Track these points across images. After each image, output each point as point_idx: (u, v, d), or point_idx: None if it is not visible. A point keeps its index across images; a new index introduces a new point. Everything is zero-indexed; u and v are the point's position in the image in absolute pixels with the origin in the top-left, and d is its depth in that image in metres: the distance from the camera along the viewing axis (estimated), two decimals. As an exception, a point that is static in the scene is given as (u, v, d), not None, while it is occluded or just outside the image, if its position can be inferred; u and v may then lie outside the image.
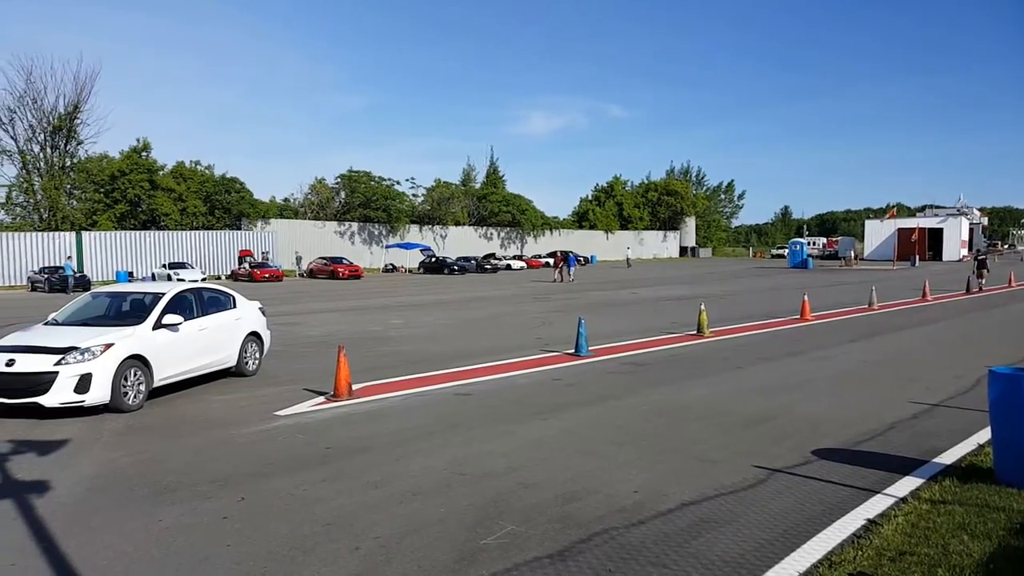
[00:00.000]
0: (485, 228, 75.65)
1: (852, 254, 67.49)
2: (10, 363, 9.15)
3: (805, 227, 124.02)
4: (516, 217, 76.02)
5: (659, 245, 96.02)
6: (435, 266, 56.76)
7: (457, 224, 72.79)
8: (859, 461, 7.14)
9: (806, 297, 21.04)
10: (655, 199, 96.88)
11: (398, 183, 67.73)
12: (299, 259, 52.42)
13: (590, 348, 14.22)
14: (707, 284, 39.04)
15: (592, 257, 76.57)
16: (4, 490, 6.59)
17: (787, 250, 72.33)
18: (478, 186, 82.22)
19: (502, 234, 76.93)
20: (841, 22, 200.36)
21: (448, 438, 8.19)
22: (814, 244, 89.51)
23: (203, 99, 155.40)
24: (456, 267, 55.66)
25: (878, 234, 78.46)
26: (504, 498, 6.13)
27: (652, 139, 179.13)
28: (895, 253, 64.29)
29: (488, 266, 59.06)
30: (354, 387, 10.58)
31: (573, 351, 14.11)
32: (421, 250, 61.67)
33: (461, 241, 70.85)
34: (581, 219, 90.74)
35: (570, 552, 5.04)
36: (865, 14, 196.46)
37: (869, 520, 5.57)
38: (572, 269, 43.27)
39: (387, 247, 63.74)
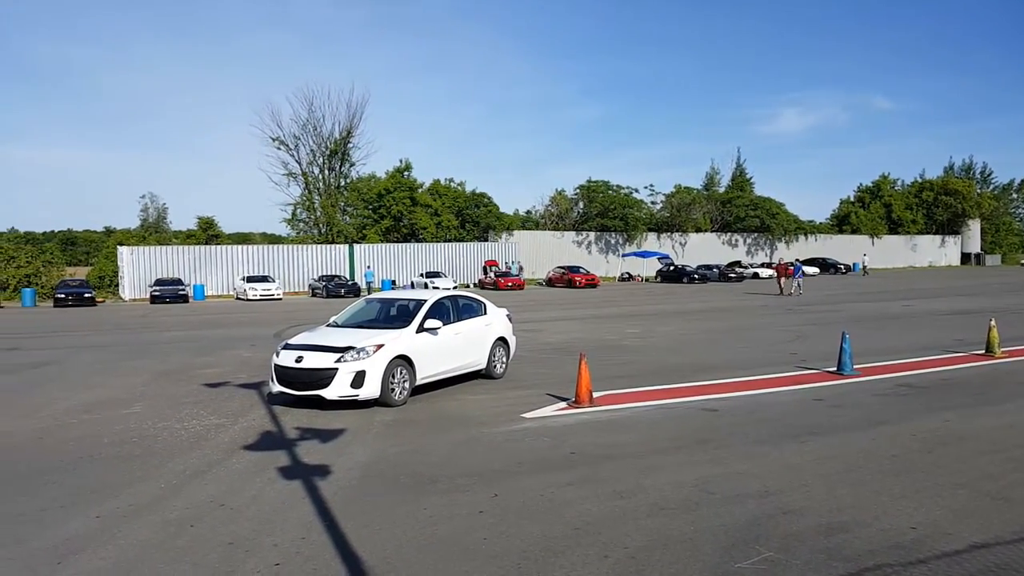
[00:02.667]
0: (729, 234, 72.70)
1: None
2: (299, 359, 10.42)
3: None
4: (765, 221, 72.07)
5: (935, 251, 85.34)
6: (674, 275, 55.73)
7: (698, 231, 70.87)
8: None
9: None
10: (930, 199, 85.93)
11: (636, 191, 67.63)
12: (520, 269, 54.25)
13: (855, 366, 13.03)
14: (994, 296, 34.23)
15: (855, 264, 69.52)
16: (294, 471, 7.49)
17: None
18: (722, 190, 79.27)
19: (748, 240, 73.37)
20: None
21: (695, 454, 7.93)
22: None
23: (456, 120, 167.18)
24: (696, 275, 54.19)
25: None
26: (760, 522, 5.79)
27: (925, 133, 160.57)
28: None
29: (732, 274, 56.71)
30: (595, 395, 10.66)
31: (835, 369, 13.02)
32: (659, 258, 60.94)
33: (702, 248, 68.82)
34: (841, 222, 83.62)
35: (836, 587, 4.62)
36: None
37: None
38: (799, 280, 38.32)
39: (624, 256, 63.83)
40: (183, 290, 40.77)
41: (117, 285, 46.42)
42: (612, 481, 6.92)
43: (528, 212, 71.21)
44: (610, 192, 66.16)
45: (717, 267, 58.00)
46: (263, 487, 6.95)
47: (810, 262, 66.33)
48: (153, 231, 61.21)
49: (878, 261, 76.06)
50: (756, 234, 73.15)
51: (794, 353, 15.77)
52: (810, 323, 22.83)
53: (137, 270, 44.63)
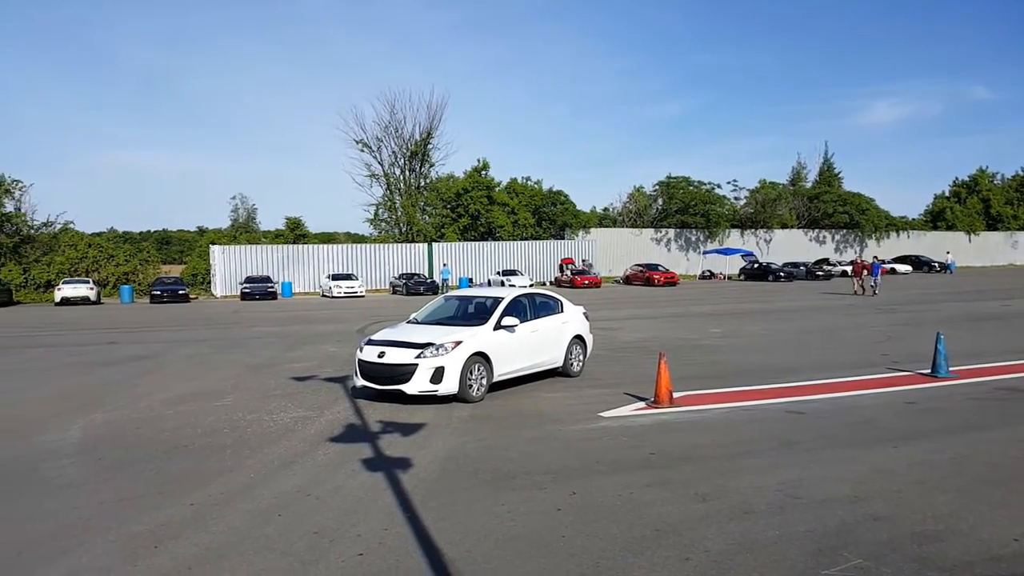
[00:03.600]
0: (817, 231, 70.18)
1: None
2: (381, 355, 10.65)
3: None
4: (854, 218, 69.27)
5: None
6: (758, 272, 54.26)
7: (784, 227, 68.76)
8: None
9: None
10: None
11: (718, 186, 66.13)
12: (589, 266, 53.70)
13: (951, 368, 12.39)
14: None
15: (950, 264, 65.79)
16: (376, 463, 7.66)
17: None
18: (809, 185, 76.61)
19: (837, 237, 70.66)
20: None
21: (780, 457, 7.70)
22: None
23: (533, 118, 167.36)
24: (782, 273, 52.57)
25: None
26: (849, 529, 5.58)
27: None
28: None
29: (820, 272, 54.77)
30: (675, 395, 10.49)
31: (929, 371, 12.41)
32: (742, 256, 59.44)
33: (788, 245, 66.65)
34: (935, 218, 79.53)
35: (933, 600, 4.41)
36: None
37: None
38: (877, 279, 36.32)
39: (705, 253, 62.57)
40: (272, 287, 42.29)
41: (209, 283, 48.50)
42: (693, 483, 6.79)
43: (605, 209, 70.72)
44: (691, 188, 64.94)
45: (804, 265, 56.15)
46: (347, 478, 7.14)
47: (902, 260, 63.43)
48: (243, 231, 63.58)
49: (976, 259, 72.06)
50: (845, 231, 70.42)
51: (885, 354, 15.12)
52: (901, 323, 21.85)
53: (228, 268, 46.56)
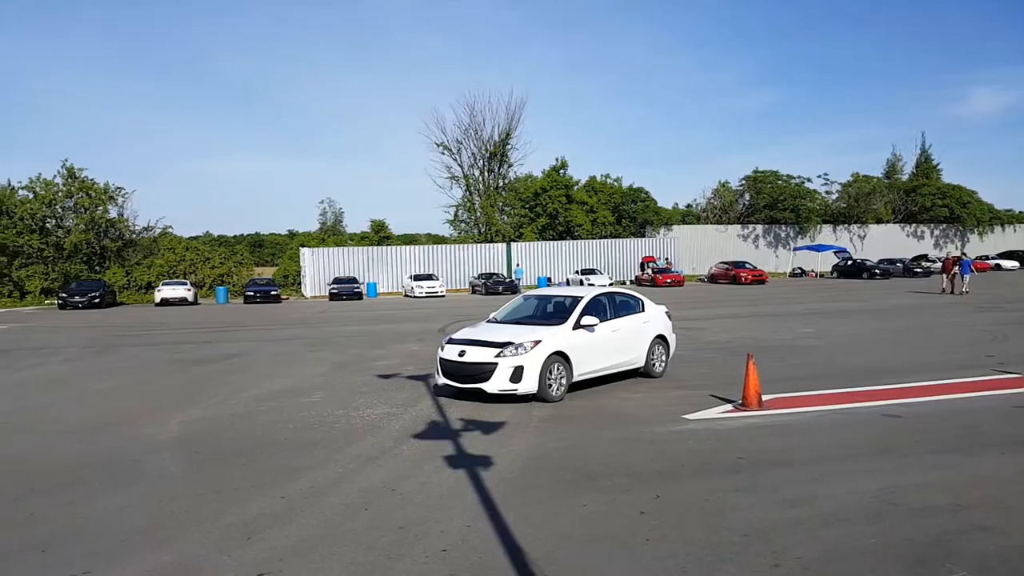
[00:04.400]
0: (914, 225, 66.94)
1: None
2: (461, 354, 10.76)
3: None
4: (955, 211, 65.74)
5: None
6: (851, 269, 52.15)
7: (879, 222, 65.89)
8: None
9: None
10: None
11: (808, 180, 64.02)
12: (668, 264, 52.61)
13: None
14: None
15: None
16: (459, 460, 7.73)
17: None
18: (905, 178, 73.12)
19: (936, 232, 67.28)
20: None
21: (876, 463, 7.35)
22: None
23: (613, 115, 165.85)
24: (877, 270, 50.37)
25: None
26: (951, 539, 5.27)
27: None
28: None
29: (918, 269, 52.26)
30: (764, 397, 10.17)
31: (1039, 373, 11.66)
32: (835, 252, 57.30)
33: (884, 241, 63.84)
34: (1046, 211, 74.69)
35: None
36: None
37: None
38: (967, 277, 33.75)
39: (795, 250, 60.60)
40: (358, 288, 43.45)
41: (299, 283, 50.28)
42: (783, 488, 6.56)
43: (689, 206, 69.52)
44: (779, 182, 63.05)
45: (901, 261, 53.65)
46: (431, 474, 7.23)
47: (1008, 255, 59.77)
48: (331, 233, 65.58)
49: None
50: (945, 225, 66.95)
51: (991, 356, 14.26)
52: (1008, 322, 20.57)
53: (317, 270, 48.11)
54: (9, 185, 48.03)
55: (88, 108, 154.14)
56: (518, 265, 50.79)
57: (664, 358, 12.84)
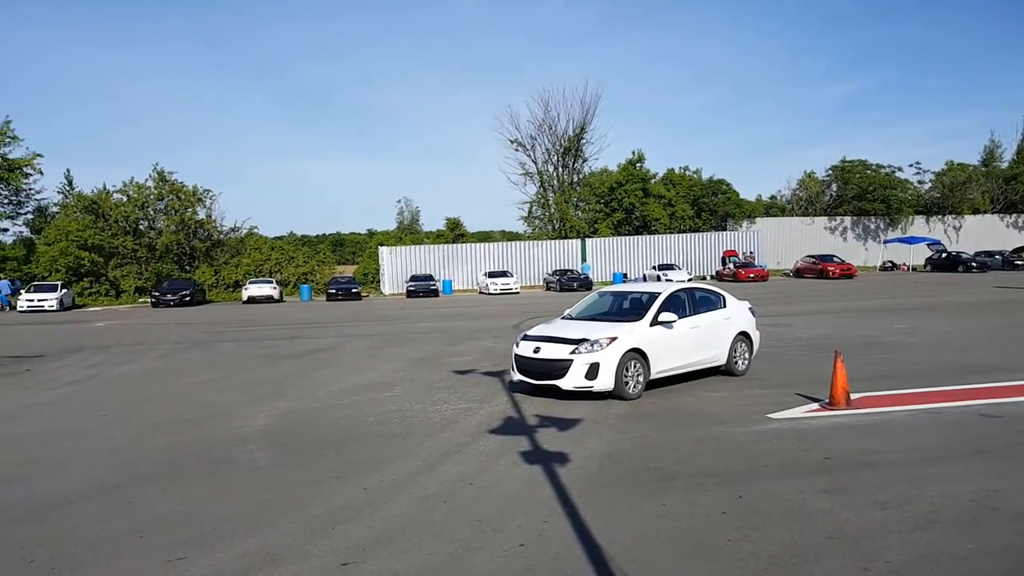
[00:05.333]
0: (1015, 216, 63.10)
1: None
2: (536, 350, 10.76)
3: None
4: (1062, 199, 61.75)
5: None
6: (946, 263, 49.71)
7: (976, 212, 62.44)
8: None
9: None
10: None
11: (899, 169, 61.19)
12: (749, 257, 51.03)
13: None
14: None
15: None
16: (535, 456, 7.74)
17: None
18: (1004, 165, 68.98)
19: (1040, 222, 63.38)
20: None
21: (972, 465, 6.99)
22: None
23: (691, 107, 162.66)
24: (974, 264, 47.84)
25: None
26: (1060, 547, 4.96)
27: None
28: None
29: (1019, 261, 49.28)
30: (852, 396, 9.79)
31: None
32: (928, 244, 54.71)
33: (981, 232, 60.43)
34: None
35: None
36: None
37: None
38: None
39: (885, 242, 58.13)
40: (434, 285, 44.09)
41: (378, 281, 51.37)
42: (872, 490, 6.30)
43: (772, 197, 67.49)
44: (868, 172, 60.53)
45: (1000, 254, 50.83)
46: (507, 470, 7.27)
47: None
48: (408, 232, 66.78)
49: None
50: (1050, 215, 62.90)
51: (1104, 353, 13.34)
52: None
53: (395, 268, 49.10)
54: (104, 189, 50.78)
55: (177, 113, 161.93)
56: (585, 262, 50.49)
57: (747, 356, 12.51)
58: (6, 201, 50.17)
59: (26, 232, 53.18)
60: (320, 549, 5.35)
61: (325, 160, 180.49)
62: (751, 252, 52.63)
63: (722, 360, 12.04)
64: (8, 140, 46.83)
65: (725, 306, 12.42)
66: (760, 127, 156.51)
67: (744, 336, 12.46)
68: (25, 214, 52.32)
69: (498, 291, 43.30)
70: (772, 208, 64.50)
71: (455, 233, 58.69)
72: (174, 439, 9.06)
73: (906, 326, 19.22)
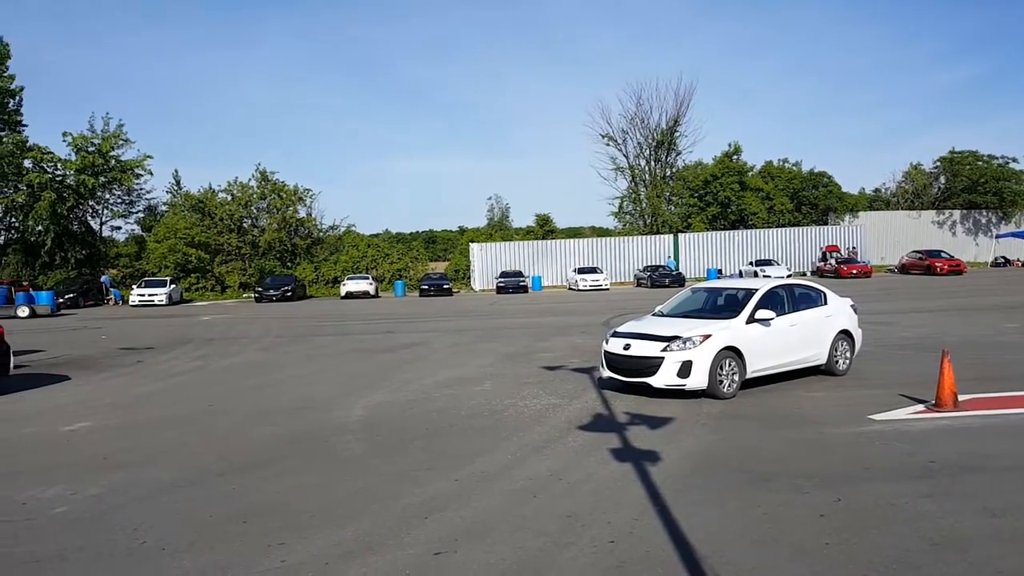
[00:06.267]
0: None
1: None
2: (627, 347, 10.67)
3: None
4: None
5: None
6: (1065, 259, 46.22)
7: (1098, 205, 57.85)
8: None
9: None
10: None
11: (1013, 160, 57.26)
12: (855, 253, 48.54)
13: None
14: None
15: None
16: (625, 454, 7.70)
17: None
18: None
19: None
20: None
21: (1099, 473, 6.52)
22: None
23: (790, 97, 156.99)
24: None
25: None
26: None
27: None
28: None
29: None
30: (960, 398, 9.28)
31: None
32: (1045, 239, 51.06)
33: (1107, 226, 56.03)
34: None
35: None
36: None
37: None
38: None
39: (997, 237, 54.55)
40: (523, 281, 44.34)
41: (469, 277, 52.07)
42: (981, 496, 5.97)
43: (876, 190, 64.48)
44: (979, 163, 56.99)
45: None
46: (596, 466, 7.26)
47: None
48: (498, 228, 67.30)
49: None
50: None
51: None
52: None
53: (485, 264, 49.67)
54: (210, 188, 53.64)
55: (279, 114, 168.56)
56: (670, 258, 49.57)
57: (848, 355, 12.03)
58: (119, 201, 53.76)
59: (137, 230, 56.69)
60: (413, 538, 5.51)
61: (418, 158, 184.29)
62: (854, 247, 50.48)
63: (822, 359, 11.63)
64: (121, 143, 50.08)
65: (826, 303, 11.98)
66: (863, 117, 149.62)
67: (846, 334, 11.99)
68: (136, 213, 55.84)
69: (587, 287, 43.12)
70: (876, 201, 61.63)
71: (544, 229, 58.81)
72: (275, 429, 9.49)
73: (1018, 325, 18.03)
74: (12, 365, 13.30)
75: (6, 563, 5.19)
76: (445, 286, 43.89)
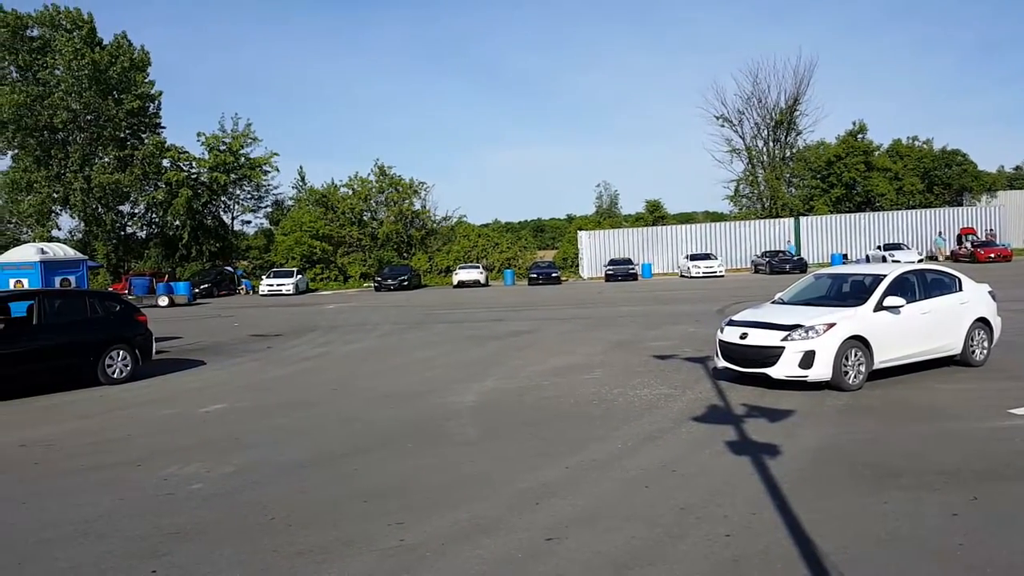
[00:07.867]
0: None
1: None
2: (743, 336, 10.34)
3: None
4: None
5: None
6: None
7: None
8: None
9: None
10: None
11: None
12: (993, 236, 44.67)
13: None
14: None
15: None
16: (741, 447, 7.49)
17: None
18: None
19: None
20: None
21: None
22: None
23: (920, 71, 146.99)
24: None
25: None
26: None
27: None
28: None
29: None
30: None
31: None
32: None
33: None
34: None
35: None
36: None
37: None
38: None
39: None
40: (632, 269, 43.85)
41: (577, 265, 52.01)
42: None
43: (1017, 168, 59.60)
44: None
45: None
46: (711, 459, 7.11)
47: None
48: (606, 216, 66.78)
49: None
50: None
51: None
52: None
53: (593, 252, 49.44)
54: (332, 183, 56.23)
55: (396, 109, 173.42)
56: (789, 242, 47.52)
57: (986, 344, 11.21)
58: (249, 196, 57.22)
59: (266, 224, 60.01)
60: (525, 523, 5.58)
61: (527, 147, 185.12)
62: (992, 230, 46.84)
63: (957, 349, 10.89)
64: (250, 141, 53.31)
65: (961, 289, 11.20)
66: (1002, 90, 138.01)
67: (983, 323, 11.17)
68: (265, 207, 59.35)
69: (700, 274, 42.11)
70: (1016, 180, 57.00)
71: (655, 216, 57.86)
72: (393, 412, 9.83)
73: None
74: (155, 351, 14.38)
75: (155, 533, 5.64)
76: (553, 274, 44.02)
